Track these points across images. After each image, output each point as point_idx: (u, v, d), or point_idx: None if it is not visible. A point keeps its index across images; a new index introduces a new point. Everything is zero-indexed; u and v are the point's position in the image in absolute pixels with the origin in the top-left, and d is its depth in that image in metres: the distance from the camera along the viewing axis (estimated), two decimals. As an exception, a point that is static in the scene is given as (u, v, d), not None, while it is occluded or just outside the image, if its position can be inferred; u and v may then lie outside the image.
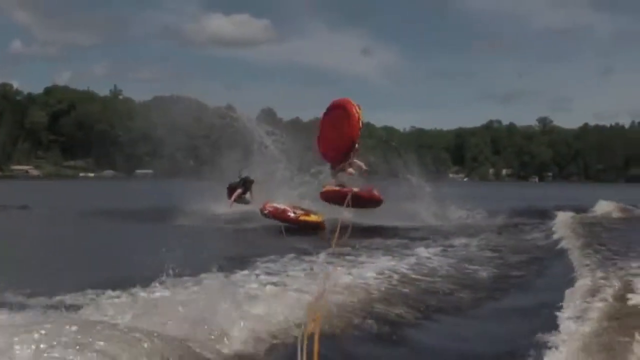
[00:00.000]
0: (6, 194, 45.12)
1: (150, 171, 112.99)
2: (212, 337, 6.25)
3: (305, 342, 2.41)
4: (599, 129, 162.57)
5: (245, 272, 10.23)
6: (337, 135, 21.46)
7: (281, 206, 20.19)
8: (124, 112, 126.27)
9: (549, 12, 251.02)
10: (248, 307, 7.15)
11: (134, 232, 19.91)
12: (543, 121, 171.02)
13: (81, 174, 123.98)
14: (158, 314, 6.50)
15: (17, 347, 4.66)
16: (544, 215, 21.12)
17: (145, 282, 8.40)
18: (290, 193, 22.82)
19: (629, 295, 7.71)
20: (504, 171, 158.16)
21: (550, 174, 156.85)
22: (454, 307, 8.81)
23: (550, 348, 5.94)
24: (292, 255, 12.33)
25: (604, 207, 27.22)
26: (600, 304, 7.44)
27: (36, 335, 4.83)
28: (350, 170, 21.84)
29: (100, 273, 10.46)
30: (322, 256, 11.52)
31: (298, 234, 17.84)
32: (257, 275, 9.98)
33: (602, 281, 8.96)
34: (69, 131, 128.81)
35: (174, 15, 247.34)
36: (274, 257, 11.99)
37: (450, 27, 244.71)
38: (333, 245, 7.08)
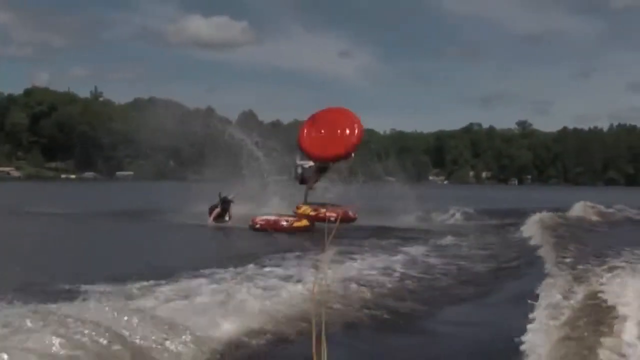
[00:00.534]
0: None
1: (131, 173, 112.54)
2: (208, 334, 6.36)
3: (314, 339, 2.56)
4: (577, 132, 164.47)
5: (244, 269, 10.38)
6: (333, 136, 21.52)
7: (272, 217, 20.29)
8: (105, 114, 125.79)
9: (528, 16, 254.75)
10: (247, 305, 7.27)
11: (133, 232, 20.41)
12: (522, 124, 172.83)
13: (62, 176, 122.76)
14: (150, 313, 6.56)
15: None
16: (524, 216, 21.72)
17: (138, 280, 8.59)
18: (281, 203, 22.91)
19: (602, 288, 7.98)
20: (484, 174, 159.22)
21: (529, 176, 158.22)
22: (450, 299, 9.70)
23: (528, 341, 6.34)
24: (289, 253, 12.66)
25: (581, 209, 27.90)
26: (572, 301, 7.73)
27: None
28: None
29: (87, 273, 10.50)
30: (317, 254, 11.79)
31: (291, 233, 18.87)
32: (257, 274, 10.06)
33: (578, 278, 9.27)
34: (50, 133, 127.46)
35: (152, 17, 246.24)
36: (271, 255, 12.27)
37: (429, 29, 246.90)
38: (327, 244, 7.32)
